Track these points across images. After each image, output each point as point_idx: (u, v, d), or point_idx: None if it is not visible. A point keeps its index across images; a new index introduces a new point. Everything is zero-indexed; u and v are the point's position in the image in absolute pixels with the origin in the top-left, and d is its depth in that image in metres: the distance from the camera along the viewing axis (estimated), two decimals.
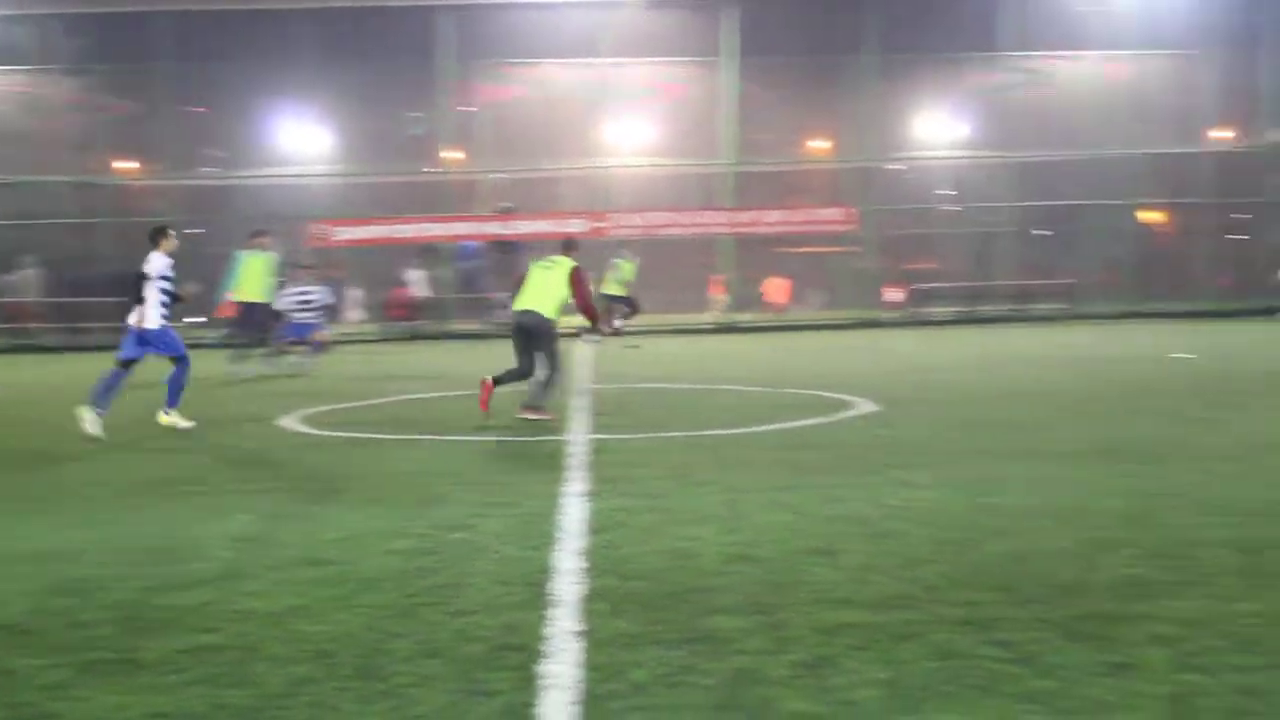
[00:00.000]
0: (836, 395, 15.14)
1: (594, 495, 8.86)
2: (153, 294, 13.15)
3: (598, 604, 6.07)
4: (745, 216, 32.95)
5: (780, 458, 10.49)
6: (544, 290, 13.66)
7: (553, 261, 13.92)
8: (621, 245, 31.04)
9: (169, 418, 13.47)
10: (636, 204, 34.28)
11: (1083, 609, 5.86)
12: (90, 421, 12.75)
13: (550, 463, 10.42)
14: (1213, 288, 36.46)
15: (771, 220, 31.72)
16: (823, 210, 33.69)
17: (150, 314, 13.11)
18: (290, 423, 13.80)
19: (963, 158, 36.98)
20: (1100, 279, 37.40)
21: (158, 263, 13.28)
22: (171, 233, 13.62)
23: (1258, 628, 5.51)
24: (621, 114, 35.06)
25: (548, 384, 13.63)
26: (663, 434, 12.15)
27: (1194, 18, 34.41)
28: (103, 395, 12.94)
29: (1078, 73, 35.53)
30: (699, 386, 14.60)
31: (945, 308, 33.84)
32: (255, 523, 8.20)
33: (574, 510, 8.33)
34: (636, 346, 25.71)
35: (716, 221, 33.55)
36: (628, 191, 35.73)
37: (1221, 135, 39.44)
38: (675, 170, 37.17)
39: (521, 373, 13.64)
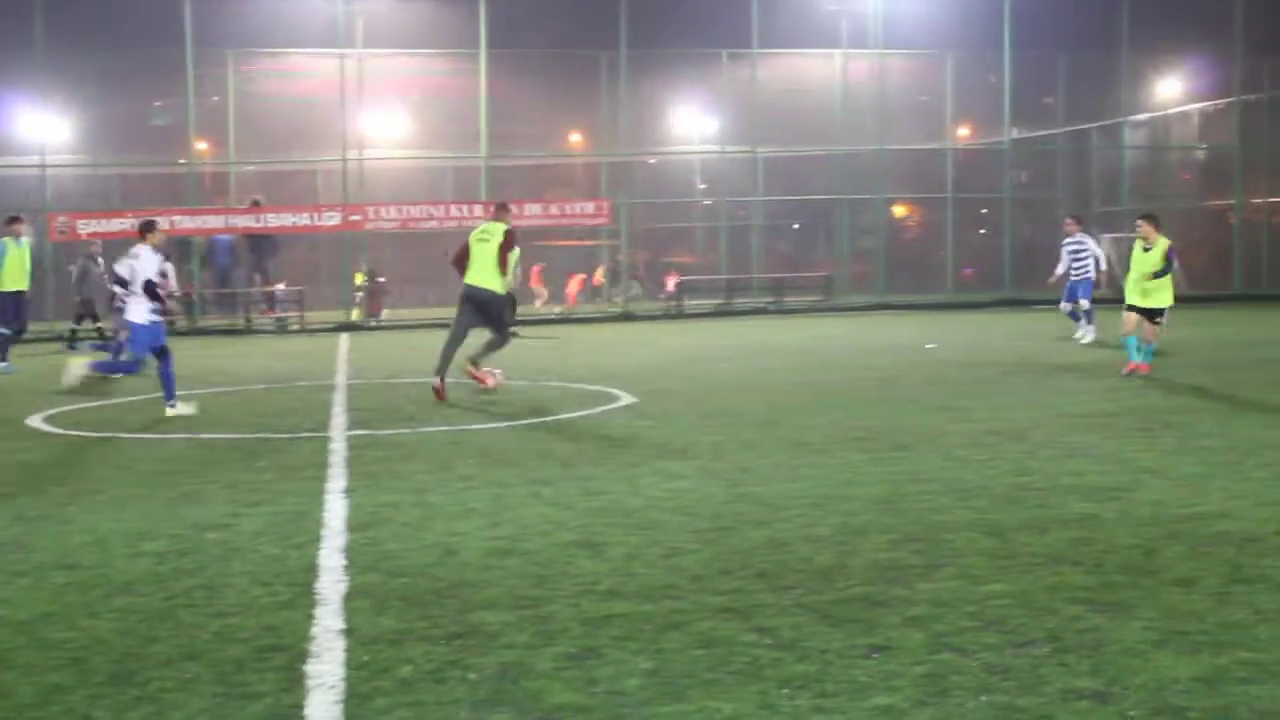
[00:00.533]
0: (599, 388, 15.26)
1: (355, 492, 8.77)
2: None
3: (361, 601, 6.01)
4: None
5: (543, 451, 10.53)
6: (485, 262, 14.47)
7: (487, 232, 14.69)
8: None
9: (174, 409, 13.47)
10: (394, 197, 33.88)
11: (841, 593, 6.05)
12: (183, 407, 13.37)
13: (310, 459, 10.26)
14: (956, 279, 37.88)
15: (528, 214, 31.64)
16: (578, 204, 33.80)
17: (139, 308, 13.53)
18: (37, 422, 13.25)
19: (717, 152, 37.59)
20: (853, 271, 38.51)
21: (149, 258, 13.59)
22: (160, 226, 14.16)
23: (1005, 607, 5.77)
24: (377, 106, 34.62)
25: (490, 346, 14.84)
26: (425, 429, 12.08)
27: (937, 20, 35.65)
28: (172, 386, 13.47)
29: (827, 71, 36.43)
30: (460, 381, 14.54)
31: (704, 300, 34.36)
32: (1, 528, 7.87)
33: (335, 507, 8.23)
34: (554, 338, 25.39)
35: (473, 215, 33.33)
36: (385, 185, 35.29)
37: (963, 133, 41.05)
38: (433, 163, 36.92)
39: (453, 340, 14.63)
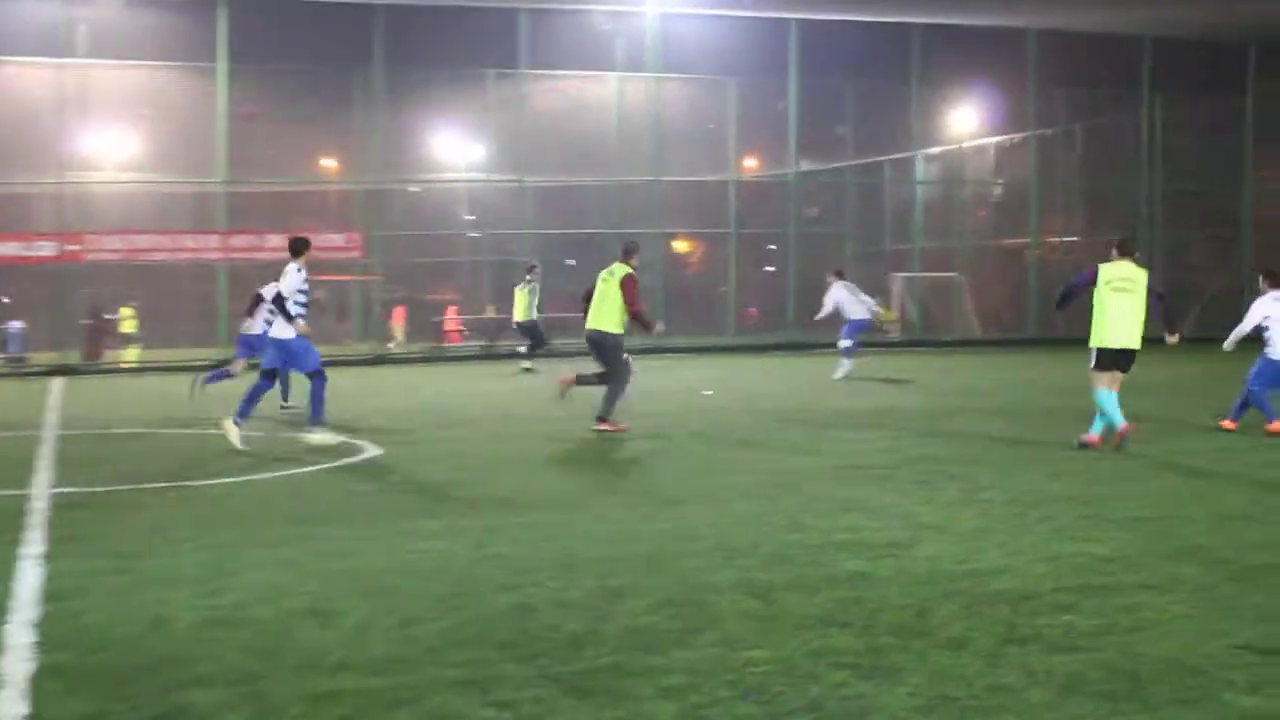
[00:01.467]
0: (344, 439, 15.04)
1: (54, 557, 8.46)
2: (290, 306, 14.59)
3: (51, 682, 5.81)
4: (240, 240, 32.22)
5: (275, 509, 10.36)
6: (602, 302, 15.75)
7: (612, 272, 15.88)
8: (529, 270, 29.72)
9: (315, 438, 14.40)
10: (121, 225, 32.89)
11: (590, 663, 6.07)
12: (233, 433, 14.17)
13: (4, 521, 9.87)
14: (739, 319, 38.46)
15: (271, 245, 31.01)
16: (326, 235, 33.27)
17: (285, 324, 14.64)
18: None
19: (482, 181, 37.41)
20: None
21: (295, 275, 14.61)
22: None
23: (766, 675, 5.86)
24: (100, 123, 33.58)
25: (610, 397, 15.66)
26: (140, 485, 11.73)
27: (719, 43, 36.25)
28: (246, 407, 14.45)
29: (602, 96, 36.68)
30: (189, 431, 14.19)
31: (468, 341, 34.22)
32: None
33: (29, 576, 7.93)
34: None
35: (208, 245, 32.62)
36: (109, 212, 34.26)
37: (750, 164, 41.82)
38: (166, 188, 35.85)
39: (600, 379, 15.89)
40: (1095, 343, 13.80)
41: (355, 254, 33.32)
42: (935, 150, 43.48)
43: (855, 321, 24.79)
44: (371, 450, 14.12)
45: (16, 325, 31.37)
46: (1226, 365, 17.82)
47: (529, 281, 27.83)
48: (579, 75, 36.68)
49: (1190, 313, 40.18)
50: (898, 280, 40.90)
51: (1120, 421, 13.59)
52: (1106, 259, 13.83)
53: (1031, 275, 39.14)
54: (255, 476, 12.27)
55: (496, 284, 36.98)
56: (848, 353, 24.03)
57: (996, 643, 6.38)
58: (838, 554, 8.38)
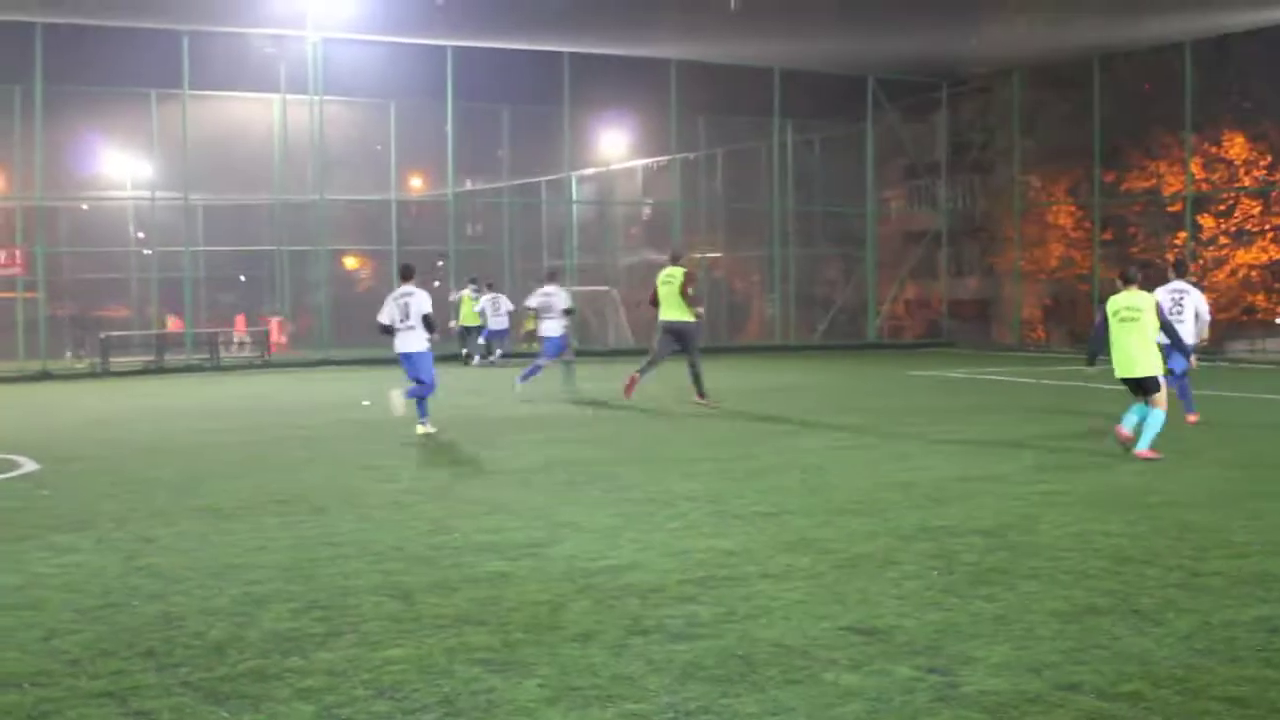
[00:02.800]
0: (4, 455, 14.32)
1: None
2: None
3: None
4: None
5: None
6: (672, 300, 19.37)
7: (671, 275, 19.52)
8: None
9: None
10: None
11: (231, 669, 5.93)
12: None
13: None
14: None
15: None
16: None
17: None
18: None
19: (147, 199, 36.12)
20: (302, 326, 38.08)
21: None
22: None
23: (401, 673, 5.82)
24: None
25: (697, 376, 19.67)
26: None
27: (379, 68, 35.97)
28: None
29: (266, 117, 35.89)
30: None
31: (134, 357, 32.93)
32: None
33: None
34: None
35: None
36: None
37: (415, 184, 41.59)
38: None
39: (652, 362, 19.94)
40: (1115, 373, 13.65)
41: (18, 271, 31.76)
42: (588, 171, 44.13)
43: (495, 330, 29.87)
44: (28, 465, 13.47)
45: None
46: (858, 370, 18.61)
47: (476, 291, 31.38)
48: (243, 96, 35.88)
49: (821, 323, 42.06)
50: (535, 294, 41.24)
51: (1126, 427, 13.42)
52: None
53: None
54: None
55: (166, 300, 35.84)
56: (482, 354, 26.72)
57: (623, 634, 6.48)
58: (479, 555, 8.38)
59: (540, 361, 22.25)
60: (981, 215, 46.61)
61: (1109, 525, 9.34)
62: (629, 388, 19.81)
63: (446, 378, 24.82)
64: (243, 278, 39.24)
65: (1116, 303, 13.51)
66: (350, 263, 43.98)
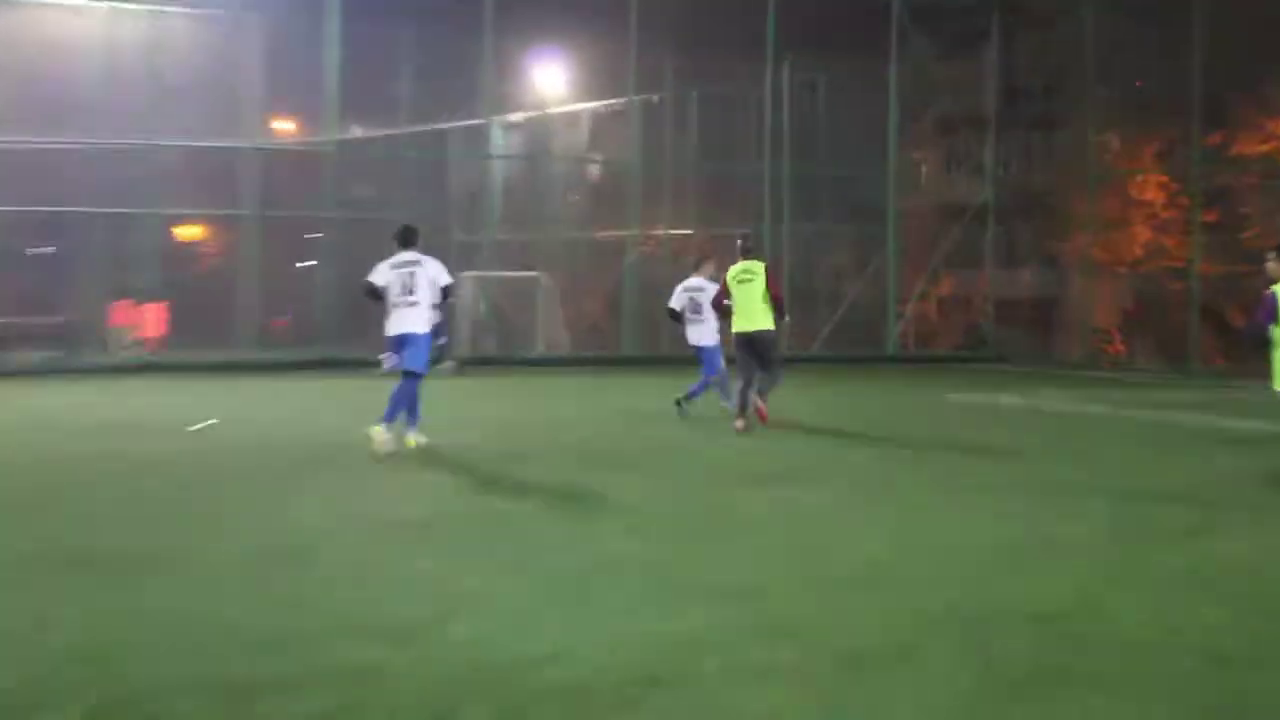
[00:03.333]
0: None
1: None
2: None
3: None
4: None
5: None
6: (752, 302, 20.33)
7: (749, 272, 20.39)
8: None
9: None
10: None
11: None
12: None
13: None
14: (262, 330, 38.02)
15: None
16: None
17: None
18: None
19: None
20: (118, 316, 37.81)
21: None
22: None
23: None
24: None
25: (770, 382, 20.90)
26: None
27: None
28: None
29: (86, 31, 35.62)
30: None
31: None
32: None
33: None
34: None
35: None
36: None
37: (284, 128, 41.42)
38: None
39: (747, 382, 20.59)
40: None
41: None
42: (516, 117, 44.06)
43: None
44: None
45: None
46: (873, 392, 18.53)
47: None
48: (56, 5, 35.66)
49: (824, 326, 41.88)
50: (467, 280, 41.20)
51: None
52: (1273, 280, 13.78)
53: (630, 277, 39.89)
54: None
55: None
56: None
57: None
58: (346, 639, 8.21)
59: (709, 378, 23.36)
60: (1042, 187, 46.70)
61: (1206, 613, 9.25)
62: (761, 415, 20.55)
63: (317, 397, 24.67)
64: (46, 249, 38.87)
65: None
66: (187, 232, 43.70)
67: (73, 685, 7.25)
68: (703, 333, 23.03)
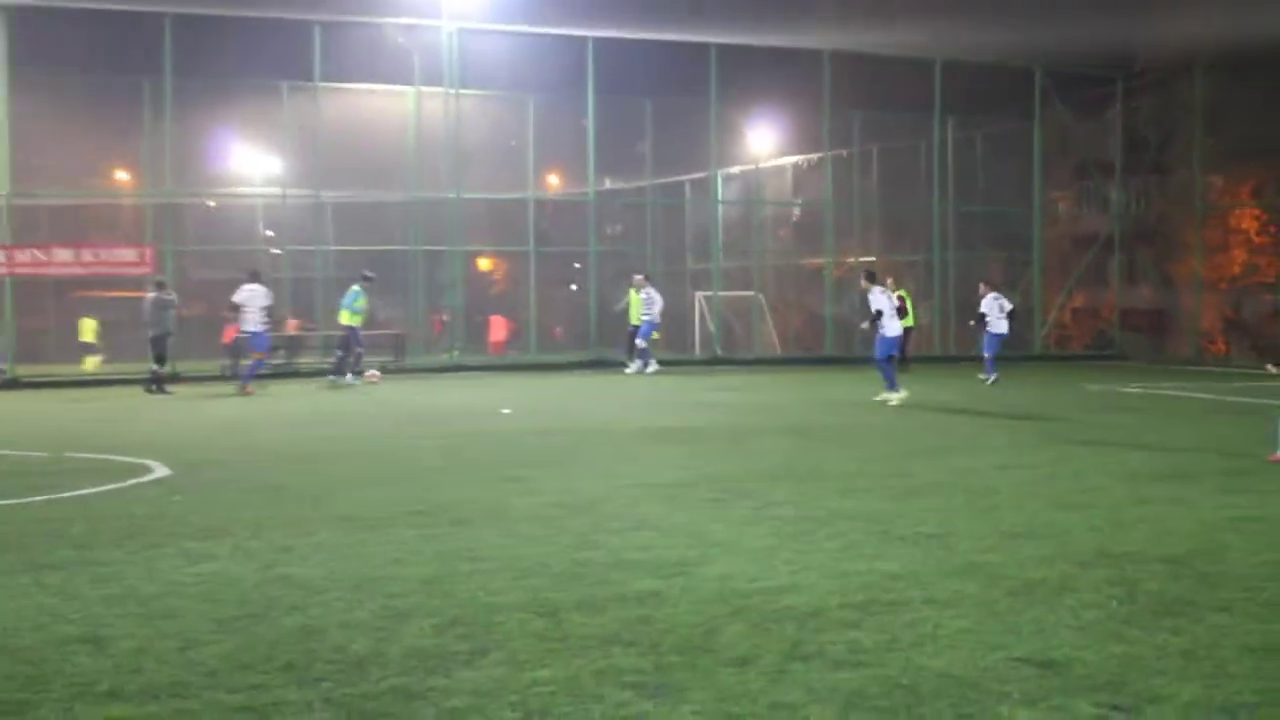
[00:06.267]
0: (131, 459, 14.69)
1: None
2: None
3: None
4: (25, 255, 31.17)
5: (53, 531, 10.03)
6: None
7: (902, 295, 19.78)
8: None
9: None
10: None
11: (374, 685, 6.00)
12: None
13: None
14: (543, 339, 38.49)
15: (58, 260, 30.23)
16: (115, 250, 32.34)
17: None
18: None
19: (278, 196, 36.83)
20: (435, 329, 38.52)
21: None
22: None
23: (549, 695, 5.85)
24: None
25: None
26: None
27: (517, 59, 36.30)
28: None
29: (399, 110, 36.28)
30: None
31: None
32: None
33: None
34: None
35: None
36: None
37: (554, 182, 41.87)
38: None
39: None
40: None
41: (148, 269, 32.46)
42: (734, 170, 44.10)
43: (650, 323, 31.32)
44: (160, 470, 13.80)
45: None
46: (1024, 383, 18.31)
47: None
48: (375, 89, 36.37)
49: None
50: (699, 299, 41.38)
51: None
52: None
53: (829, 294, 39.75)
54: (34, 499, 11.88)
55: (297, 299, 36.50)
56: (645, 355, 29.87)
57: (781, 659, 6.44)
58: (627, 573, 8.39)
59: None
60: (1157, 219, 45.65)
61: None
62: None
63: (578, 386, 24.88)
64: (368, 273, 39.86)
65: None
66: (484, 264, 44.35)
67: (430, 607, 7.50)
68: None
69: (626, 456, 15.07)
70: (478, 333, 39.45)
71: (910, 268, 43.27)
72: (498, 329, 37.56)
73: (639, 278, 32.16)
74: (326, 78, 33.80)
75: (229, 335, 31.51)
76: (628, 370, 31.04)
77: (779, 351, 40.51)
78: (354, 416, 20.99)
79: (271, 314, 27.97)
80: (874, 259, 42.66)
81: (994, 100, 41.69)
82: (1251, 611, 7.43)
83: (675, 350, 37.84)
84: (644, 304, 31.70)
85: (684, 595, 7.78)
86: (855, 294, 32.51)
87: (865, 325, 23.07)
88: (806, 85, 39.94)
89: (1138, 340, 43.08)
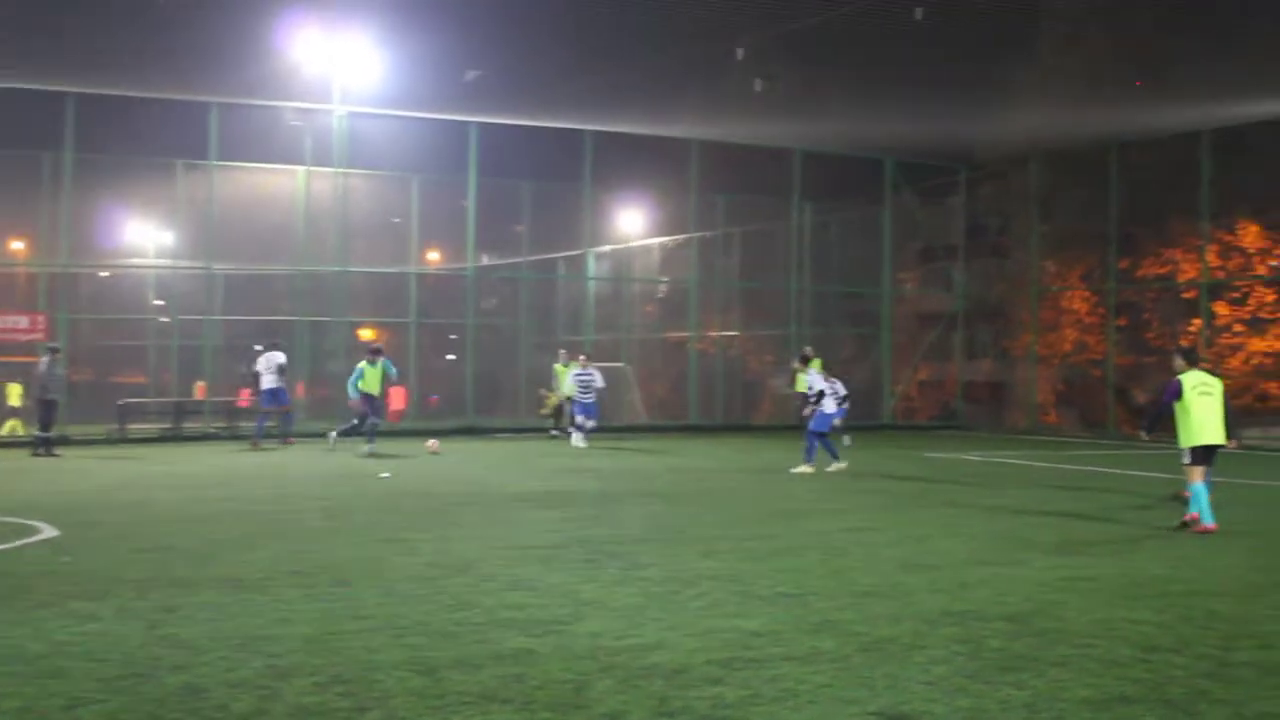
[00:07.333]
0: (18, 520, 14.26)
1: None
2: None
3: None
4: None
5: None
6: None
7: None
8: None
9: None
10: None
11: None
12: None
13: None
14: (421, 406, 38.20)
15: None
16: (10, 317, 31.70)
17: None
18: None
19: (170, 267, 36.36)
20: (317, 396, 37.99)
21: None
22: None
23: None
24: None
25: None
26: None
27: (402, 142, 36.19)
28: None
29: (290, 188, 35.95)
30: None
31: (150, 425, 32.90)
32: None
33: None
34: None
35: None
36: None
37: (433, 257, 41.67)
38: None
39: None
40: (1188, 442, 14.49)
41: (40, 336, 31.76)
42: (606, 248, 44.28)
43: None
44: (48, 530, 13.42)
45: None
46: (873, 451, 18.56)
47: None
48: (268, 168, 36.02)
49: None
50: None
51: (1209, 520, 14.13)
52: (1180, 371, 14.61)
53: (693, 366, 39.94)
54: None
55: (184, 367, 35.90)
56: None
57: (649, 715, 6.41)
58: (503, 631, 8.30)
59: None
60: (997, 299, 46.59)
61: (1135, 612, 9.25)
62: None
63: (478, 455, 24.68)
64: (257, 347, 39.16)
65: (1191, 379, 14.55)
66: (367, 334, 43.94)
67: (312, 665, 7.35)
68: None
69: (501, 519, 14.96)
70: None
71: (770, 341, 43.66)
72: (397, 398, 37.14)
73: (582, 356, 30.81)
74: (221, 156, 33.45)
75: (244, 398, 32.38)
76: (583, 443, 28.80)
77: (645, 419, 40.50)
78: (242, 480, 20.55)
79: (284, 373, 28.95)
80: (736, 333, 43.08)
81: (848, 187, 42.44)
82: (1087, 666, 7.53)
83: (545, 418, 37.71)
84: (580, 381, 29.47)
85: (556, 653, 7.71)
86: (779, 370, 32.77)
87: (806, 413, 22.67)
88: (675, 170, 40.33)
89: (979, 411, 43.81)
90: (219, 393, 34.88)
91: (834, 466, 22.22)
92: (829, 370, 24.19)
